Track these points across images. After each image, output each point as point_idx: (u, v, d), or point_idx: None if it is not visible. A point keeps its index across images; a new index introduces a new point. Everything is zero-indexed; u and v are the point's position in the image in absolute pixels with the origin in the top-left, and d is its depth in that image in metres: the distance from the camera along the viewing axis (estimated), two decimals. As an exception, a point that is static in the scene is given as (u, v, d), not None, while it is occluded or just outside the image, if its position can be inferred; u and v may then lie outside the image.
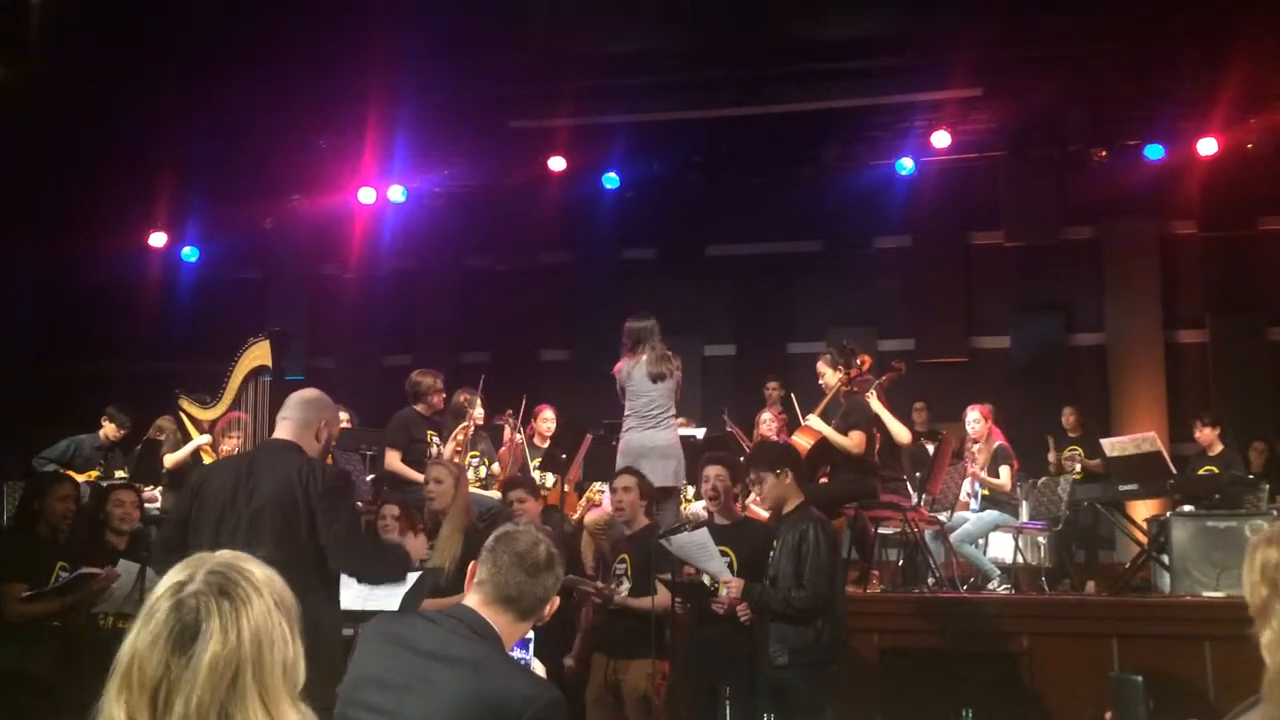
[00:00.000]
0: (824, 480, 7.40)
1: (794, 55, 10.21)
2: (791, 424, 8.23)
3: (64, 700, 5.34)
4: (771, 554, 5.13)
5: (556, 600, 2.74)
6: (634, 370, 7.00)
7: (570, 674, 5.79)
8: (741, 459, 6.17)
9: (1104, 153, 10.94)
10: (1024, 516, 8.50)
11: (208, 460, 7.47)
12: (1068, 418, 10.01)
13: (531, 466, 8.19)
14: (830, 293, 12.26)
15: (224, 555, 1.69)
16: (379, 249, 12.66)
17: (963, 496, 8.50)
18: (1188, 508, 7.31)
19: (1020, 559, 8.39)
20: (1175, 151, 10.79)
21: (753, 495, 5.99)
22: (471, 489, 6.74)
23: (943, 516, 7.99)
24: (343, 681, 2.57)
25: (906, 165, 11.38)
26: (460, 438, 7.68)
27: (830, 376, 7.52)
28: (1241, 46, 9.34)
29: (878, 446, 7.38)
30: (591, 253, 12.82)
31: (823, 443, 7.26)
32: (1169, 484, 7.56)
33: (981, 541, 8.51)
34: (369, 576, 4.21)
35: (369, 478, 7.66)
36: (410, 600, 4.50)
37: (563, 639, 5.84)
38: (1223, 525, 6.86)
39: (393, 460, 7.43)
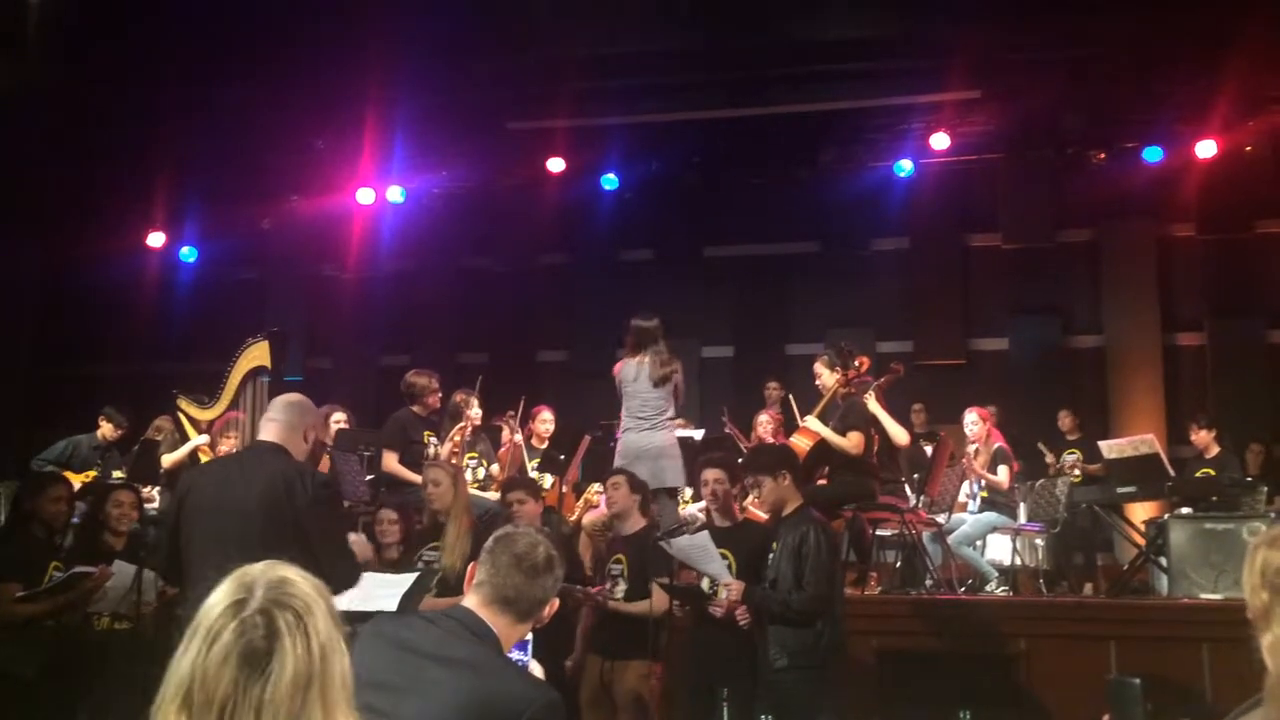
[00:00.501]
0: (822, 482, 7.40)
1: (793, 57, 10.21)
2: (789, 425, 8.23)
3: (54, 702, 5.34)
4: (771, 556, 5.13)
5: (556, 602, 2.74)
6: (635, 372, 7.00)
7: (571, 675, 5.78)
8: (739, 461, 6.16)
9: (1102, 155, 10.95)
10: (1022, 518, 8.50)
11: (205, 460, 7.46)
12: (1064, 420, 10.01)
13: (529, 468, 8.19)
14: (828, 294, 12.26)
15: (270, 568, 1.68)
16: (377, 250, 12.67)
17: (961, 498, 8.50)
18: (1186, 510, 7.31)
19: (1018, 561, 8.39)
20: (1174, 154, 10.79)
21: (751, 497, 5.99)
22: (470, 490, 6.74)
23: (941, 518, 7.98)
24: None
25: (905, 167, 11.39)
26: (457, 439, 7.67)
27: (828, 378, 7.52)
28: (1240, 49, 9.34)
29: (876, 448, 7.37)
30: (590, 254, 12.83)
31: (821, 444, 7.25)
32: (1167, 486, 7.56)
33: (979, 543, 8.51)
34: (347, 585, 4.14)
35: (367, 478, 7.65)
36: (409, 601, 4.50)
37: (562, 641, 5.83)
38: (1221, 527, 6.86)
39: (390, 461, 7.42)
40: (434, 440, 7.61)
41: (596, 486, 7.88)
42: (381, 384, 11.95)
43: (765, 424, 8.68)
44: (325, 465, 7.45)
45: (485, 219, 12.60)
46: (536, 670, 3.10)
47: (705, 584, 5.34)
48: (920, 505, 7.78)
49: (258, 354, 6.68)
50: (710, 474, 5.57)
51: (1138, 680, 2.48)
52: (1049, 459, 9.55)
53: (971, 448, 8.67)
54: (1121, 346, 11.62)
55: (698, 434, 8.63)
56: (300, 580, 1.67)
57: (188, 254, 12.85)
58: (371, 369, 12.87)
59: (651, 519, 6.09)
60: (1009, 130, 11.09)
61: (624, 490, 5.83)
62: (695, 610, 5.40)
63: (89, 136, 10.63)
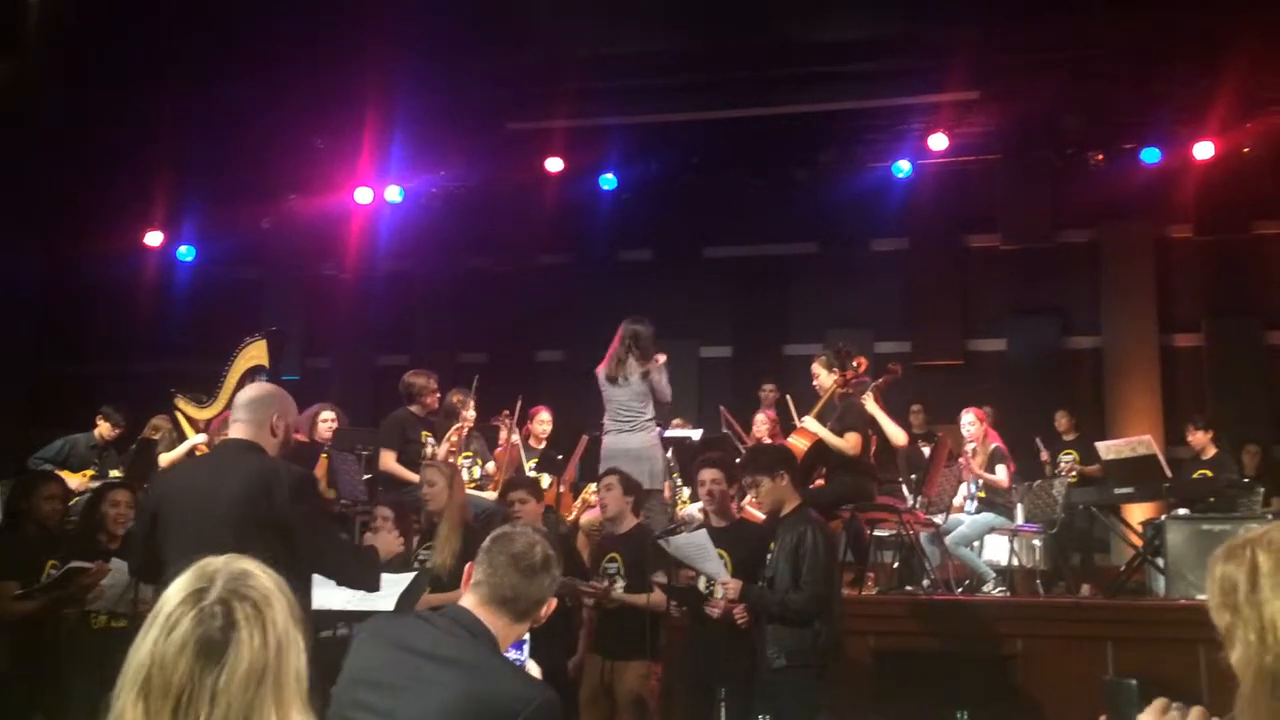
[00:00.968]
0: (820, 482, 7.40)
1: (792, 57, 10.23)
2: (787, 426, 8.24)
3: (51, 700, 5.35)
4: (769, 556, 5.13)
5: (553, 602, 2.74)
6: (609, 374, 7.08)
7: (574, 675, 5.79)
8: (737, 461, 6.16)
9: (1101, 156, 10.96)
10: (1019, 519, 8.50)
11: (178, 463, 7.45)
12: (1061, 421, 10.01)
13: (527, 467, 8.19)
14: (827, 295, 12.27)
15: (231, 561, 1.69)
16: (376, 249, 12.68)
17: (958, 499, 8.51)
18: (1183, 511, 7.32)
19: (1015, 561, 8.39)
20: (1172, 155, 10.81)
21: (749, 497, 5.99)
22: (467, 490, 6.74)
23: (938, 519, 7.99)
24: (338, 681, 2.56)
25: (903, 168, 11.40)
26: (454, 438, 7.68)
27: (825, 378, 7.52)
28: (1238, 51, 9.36)
29: (873, 449, 7.37)
30: (588, 254, 12.83)
31: (819, 445, 7.25)
32: (1164, 487, 7.57)
33: (977, 544, 8.51)
34: (346, 578, 4.11)
35: (364, 478, 7.65)
36: (406, 600, 4.50)
37: (564, 640, 5.83)
38: (1218, 528, 6.86)
39: (387, 461, 7.43)
40: (431, 440, 7.62)
41: (594, 486, 7.89)
42: (380, 383, 11.96)
43: (761, 424, 8.68)
44: (323, 465, 7.47)
45: (484, 219, 12.60)
46: (534, 670, 3.09)
47: (702, 583, 5.35)
48: (918, 505, 7.79)
49: (256, 353, 6.67)
50: (707, 474, 5.57)
51: (1134, 681, 2.48)
52: (1044, 457, 9.55)
53: (969, 448, 8.68)
54: (1119, 347, 11.63)
55: (696, 434, 8.64)
56: (261, 574, 1.68)
57: (186, 253, 12.85)
58: (370, 368, 12.87)
59: (642, 518, 6.10)
60: (1007, 131, 11.10)
61: (617, 492, 5.84)
62: (693, 610, 5.41)
63: (89, 136, 10.63)
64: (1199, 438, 8.83)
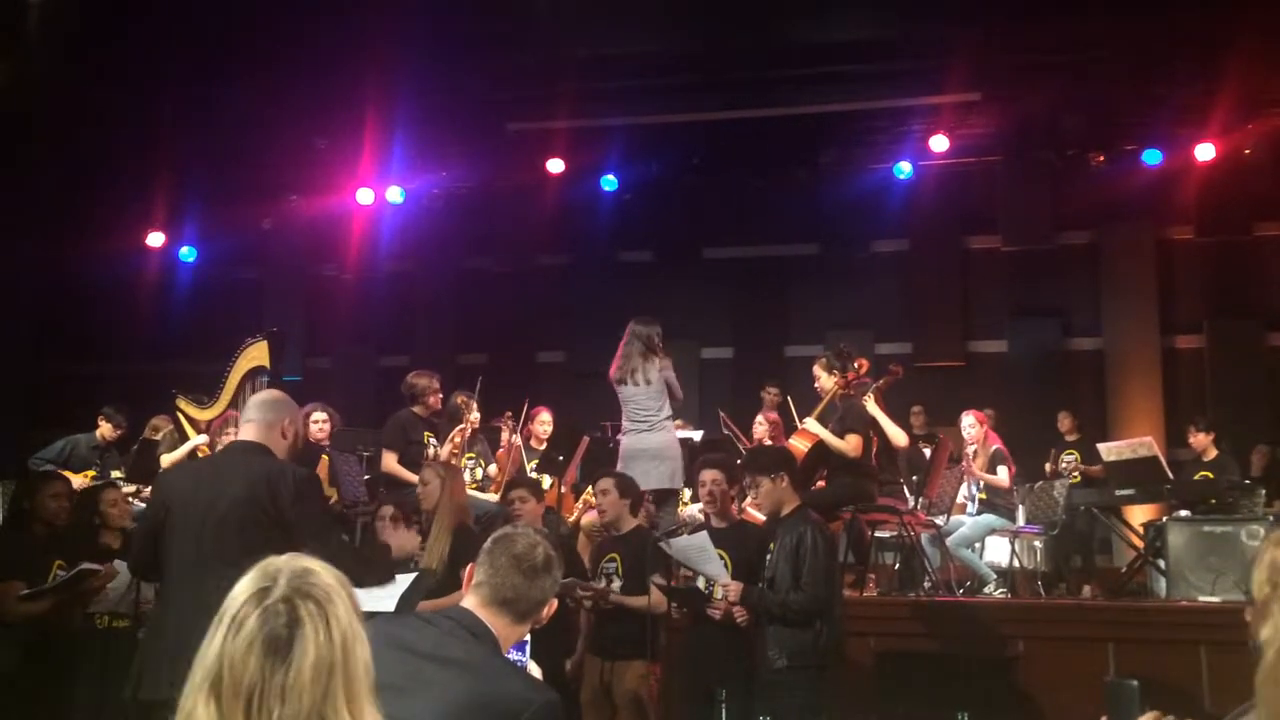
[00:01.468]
0: (821, 484, 7.40)
1: (793, 58, 10.23)
2: (788, 427, 8.24)
3: (54, 698, 5.34)
4: (769, 557, 5.13)
5: (555, 603, 2.74)
6: (623, 375, 7.07)
7: (572, 676, 5.78)
8: (738, 462, 6.16)
9: (1101, 158, 10.96)
10: (1020, 520, 8.50)
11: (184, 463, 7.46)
12: (1064, 422, 10.00)
13: (528, 468, 8.19)
14: (827, 296, 12.27)
15: (293, 559, 1.72)
16: (377, 250, 12.68)
17: (959, 500, 8.50)
18: (1184, 513, 7.32)
19: (1016, 563, 8.39)
20: (1173, 157, 10.81)
21: (749, 498, 5.99)
22: (468, 491, 6.74)
23: (939, 520, 7.98)
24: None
25: (904, 169, 11.40)
26: (457, 440, 7.68)
27: (826, 380, 7.52)
28: (1239, 53, 9.35)
29: (874, 450, 7.37)
30: (589, 255, 12.83)
31: (819, 446, 7.25)
32: (1165, 489, 7.58)
33: (978, 545, 8.51)
34: (353, 577, 4.12)
35: (365, 478, 7.65)
36: (407, 601, 4.49)
37: (563, 641, 5.83)
38: (1219, 530, 6.87)
39: (389, 462, 7.43)
40: (434, 441, 7.62)
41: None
42: (381, 384, 11.96)
43: (760, 425, 8.68)
44: (324, 465, 7.47)
45: (485, 220, 12.60)
46: (535, 671, 3.09)
47: (703, 584, 5.35)
48: (919, 507, 7.79)
49: (257, 354, 6.68)
50: (707, 475, 5.57)
51: (1135, 682, 2.48)
52: (1049, 468, 9.52)
53: (969, 450, 8.68)
54: (1120, 349, 11.62)
55: (697, 435, 8.64)
56: (322, 571, 1.71)
57: (187, 254, 12.86)
58: (371, 369, 12.87)
59: (649, 519, 6.09)
60: (1008, 132, 11.10)
61: (613, 496, 5.83)
62: (693, 611, 5.41)
63: (89, 136, 10.64)
64: (1200, 439, 8.82)
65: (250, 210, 12.32)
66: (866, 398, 7.43)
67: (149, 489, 7.72)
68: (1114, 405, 11.42)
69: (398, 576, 4.56)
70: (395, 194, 12.01)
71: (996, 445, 8.65)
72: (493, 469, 8.17)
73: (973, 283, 12.18)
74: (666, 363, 7.19)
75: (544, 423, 8.67)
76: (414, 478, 6.90)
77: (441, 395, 7.79)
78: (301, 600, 1.64)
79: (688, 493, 7.87)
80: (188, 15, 9.02)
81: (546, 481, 7.91)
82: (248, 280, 13.25)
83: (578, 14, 9.41)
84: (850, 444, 7.14)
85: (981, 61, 9.93)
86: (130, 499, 6.84)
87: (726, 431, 8.95)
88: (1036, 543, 8.48)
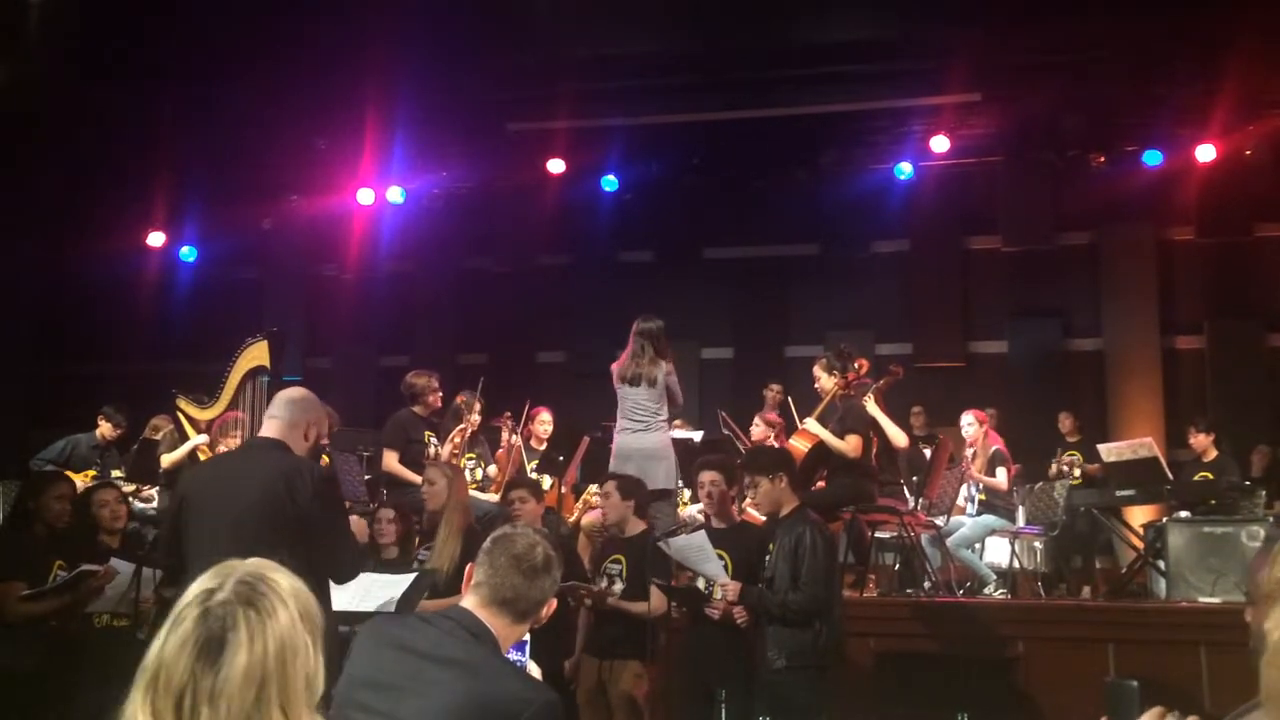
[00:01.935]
0: (821, 484, 7.40)
1: (793, 59, 10.23)
2: (789, 428, 8.24)
3: (55, 699, 5.34)
4: (768, 557, 5.13)
5: (554, 603, 2.74)
6: (626, 373, 7.07)
7: (570, 676, 5.78)
8: (737, 462, 6.16)
9: (1102, 158, 10.96)
10: (1020, 521, 8.50)
11: (207, 458, 7.47)
12: (1064, 423, 10.01)
13: (528, 469, 8.19)
14: (828, 296, 12.27)
15: (252, 564, 1.71)
16: (377, 250, 12.68)
17: (959, 501, 8.50)
18: (1184, 513, 7.32)
19: (1017, 564, 8.39)
20: (1173, 157, 10.81)
21: (749, 498, 5.99)
22: (469, 491, 6.73)
23: (939, 521, 7.98)
24: (338, 683, 2.56)
25: (905, 169, 11.40)
26: (457, 439, 7.69)
27: (826, 380, 7.52)
28: (1240, 53, 9.35)
29: (875, 450, 7.37)
30: (589, 255, 12.83)
31: (820, 446, 7.25)
32: (1166, 490, 7.57)
33: (978, 546, 8.51)
34: (352, 576, 4.13)
35: (365, 478, 7.65)
36: (407, 601, 4.50)
37: (563, 642, 5.83)
38: (1219, 531, 6.86)
39: (390, 461, 7.43)
40: (434, 440, 7.62)
41: (595, 487, 7.89)
42: (381, 384, 11.95)
43: (757, 426, 8.68)
44: (324, 465, 7.46)
45: (485, 220, 12.61)
46: (534, 671, 3.09)
47: (702, 584, 5.34)
48: (919, 507, 7.79)
49: (257, 354, 6.67)
50: (706, 476, 5.57)
51: (1135, 683, 2.48)
52: (1052, 471, 9.51)
53: (969, 451, 8.68)
54: (1121, 349, 11.62)
55: (697, 435, 8.64)
56: (278, 577, 1.69)
57: (188, 254, 12.86)
58: (371, 369, 12.87)
59: (650, 521, 6.09)
60: (1009, 133, 11.10)
61: (616, 498, 5.82)
62: (693, 611, 5.41)
63: (89, 136, 10.64)
64: (1200, 440, 8.82)
65: (251, 210, 12.32)
66: (867, 398, 7.43)
67: (149, 488, 7.75)
68: (1114, 406, 11.41)
69: (397, 577, 4.57)
70: (396, 194, 12.01)
71: (996, 446, 8.65)
72: (492, 469, 8.17)
73: (973, 283, 12.17)
74: (670, 366, 7.19)
75: (544, 423, 8.67)
76: (414, 477, 6.91)
77: (441, 395, 7.80)
78: (242, 606, 1.62)
79: (688, 493, 7.87)
80: (188, 15, 9.02)
81: (547, 482, 7.91)
82: (248, 280, 13.25)
83: (578, 14, 9.42)
84: (850, 444, 7.14)
85: (982, 62, 9.93)
86: (130, 498, 6.84)
87: (726, 431, 8.95)
88: (1037, 543, 8.49)
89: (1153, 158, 10.84)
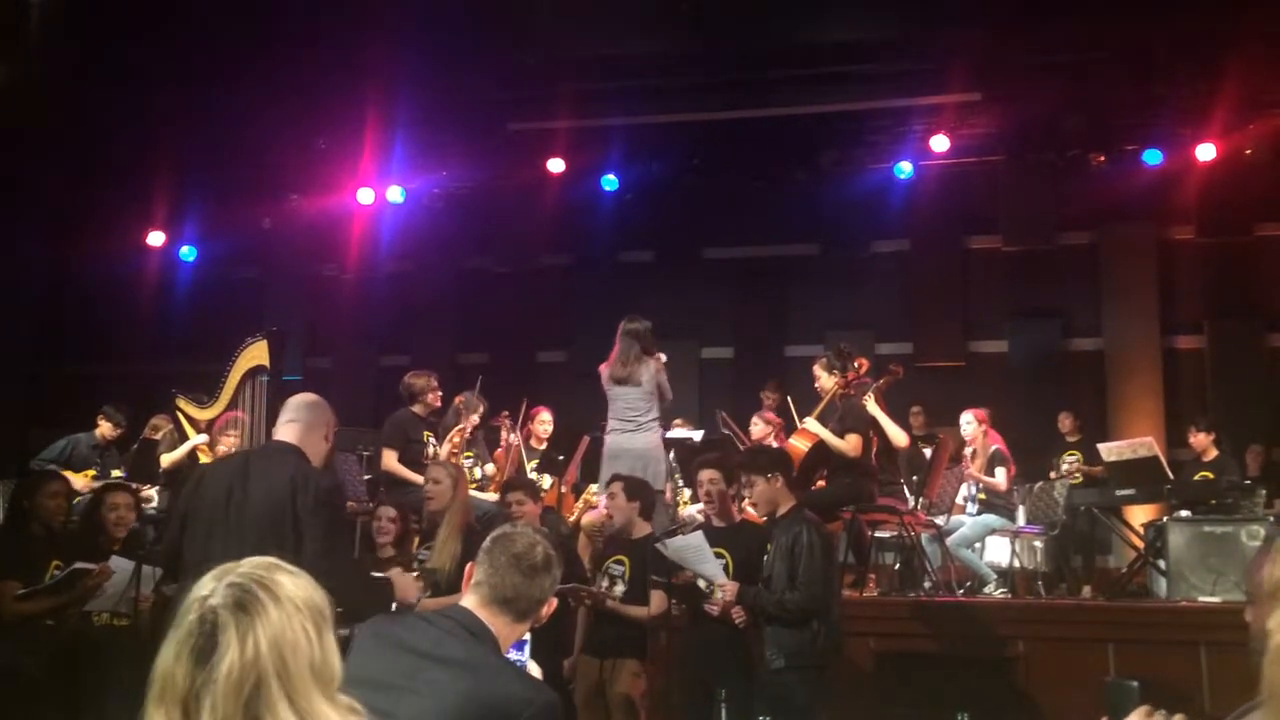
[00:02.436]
0: (821, 483, 7.40)
1: (793, 59, 10.23)
2: (788, 428, 8.24)
3: (54, 699, 5.34)
4: (766, 557, 5.13)
5: (554, 602, 2.74)
6: (616, 374, 7.08)
7: (569, 675, 5.78)
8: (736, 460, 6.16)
9: (1102, 158, 10.94)
10: (1020, 521, 8.50)
11: (205, 460, 7.47)
12: (1065, 422, 10.00)
13: (528, 468, 8.19)
14: (828, 296, 12.26)
15: (251, 564, 1.70)
16: (377, 250, 12.67)
17: (959, 500, 8.50)
18: (1184, 513, 7.32)
19: (1017, 563, 8.39)
20: (1174, 157, 10.79)
21: (747, 497, 5.98)
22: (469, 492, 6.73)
23: (939, 520, 7.98)
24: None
25: (905, 169, 11.38)
26: (456, 439, 7.68)
27: (826, 380, 7.52)
28: (1240, 53, 9.35)
29: (875, 450, 7.37)
30: (589, 255, 12.82)
31: (820, 446, 7.26)
32: (1166, 489, 7.57)
33: (978, 545, 8.51)
34: (344, 603, 4.05)
35: (365, 478, 7.65)
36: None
37: (563, 641, 5.83)
38: (1219, 530, 6.87)
39: (389, 461, 7.43)
40: (433, 440, 7.62)
41: (595, 487, 7.89)
42: (381, 384, 11.95)
43: (755, 426, 8.68)
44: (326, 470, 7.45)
45: (485, 219, 12.60)
46: (534, 671, 3.09)
47: (702, 583, 5.34)
48: (919, 507, 7.79)
49: (256, 353, 6.66)
50: (705, 475, 5.57)
51: (1136, 683, 2.49)
52: (1053, 474, 9.50)
53: (968, 450, 8.67)
54: (1121, 349, 11.62)
55: (697, 435, 8.64)
56: (277, 576, 1.69)
57: (188, 253, 12.86)
58: (371, 369, 12.86)
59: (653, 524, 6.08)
60: (1009, 133, 11.08)
61: (621, 499, 5.81)
62: (692, 610, 5.41)
63: (90, 136, 10.64)
64: (1200, 439, 8.82)
65: (251, 209, 12.30)
66: (867, 398, 7.43)
67: (148, 488, 7.75)
68: (1114, 406, 11.41)
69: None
70: (396, 194, 12.00)
71: (996, 445, 8.64)
72: (490, 468, 8.17)
73: (973, 283, 12.16)
74: (660, 365, 7.19)
75: (544, 422, 8.67)
76: (415, 477, 6.91)
77: (440, 395, 7.80)
78: (231, 609, 1.62)
79: (688, 493, 7.86)
80: (188, 15, 9.02)
81: (547, 481, 7.92)
82: (248, 280, 13.24)
83: (578, 14, 9.42)
84: (850, 444, 7.14)
85: (982, 62, 9.93)
86: (142, 503, 6.84)
87: (726, 431, 8.95)
88: (1037, 543, 8.48)
89: (1153, 157, 10.83)
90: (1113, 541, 9.59)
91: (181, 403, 7.57)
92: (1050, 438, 9.99)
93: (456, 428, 7.76)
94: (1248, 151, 10.63)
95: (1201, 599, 6.63)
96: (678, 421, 9.01)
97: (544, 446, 8.39)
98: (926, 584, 7.63)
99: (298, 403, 4.11)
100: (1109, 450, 7.81)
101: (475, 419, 7.95)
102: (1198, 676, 5.95)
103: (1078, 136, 10.88)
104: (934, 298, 12.11)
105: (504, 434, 8.45)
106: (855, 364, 7.59)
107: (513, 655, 2.75)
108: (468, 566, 2.72)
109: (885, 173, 11.50)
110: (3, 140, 9.98)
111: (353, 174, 11.78)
